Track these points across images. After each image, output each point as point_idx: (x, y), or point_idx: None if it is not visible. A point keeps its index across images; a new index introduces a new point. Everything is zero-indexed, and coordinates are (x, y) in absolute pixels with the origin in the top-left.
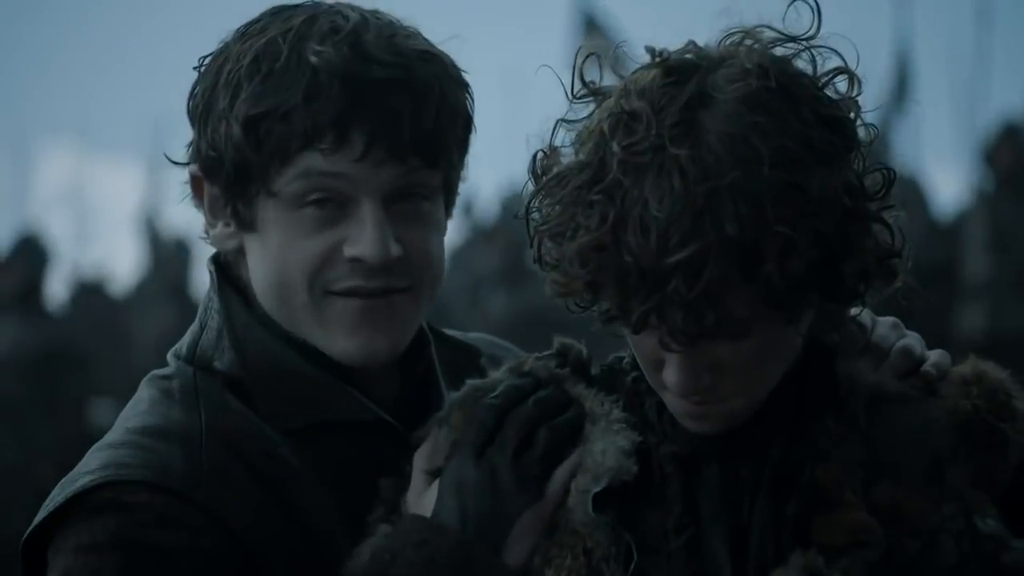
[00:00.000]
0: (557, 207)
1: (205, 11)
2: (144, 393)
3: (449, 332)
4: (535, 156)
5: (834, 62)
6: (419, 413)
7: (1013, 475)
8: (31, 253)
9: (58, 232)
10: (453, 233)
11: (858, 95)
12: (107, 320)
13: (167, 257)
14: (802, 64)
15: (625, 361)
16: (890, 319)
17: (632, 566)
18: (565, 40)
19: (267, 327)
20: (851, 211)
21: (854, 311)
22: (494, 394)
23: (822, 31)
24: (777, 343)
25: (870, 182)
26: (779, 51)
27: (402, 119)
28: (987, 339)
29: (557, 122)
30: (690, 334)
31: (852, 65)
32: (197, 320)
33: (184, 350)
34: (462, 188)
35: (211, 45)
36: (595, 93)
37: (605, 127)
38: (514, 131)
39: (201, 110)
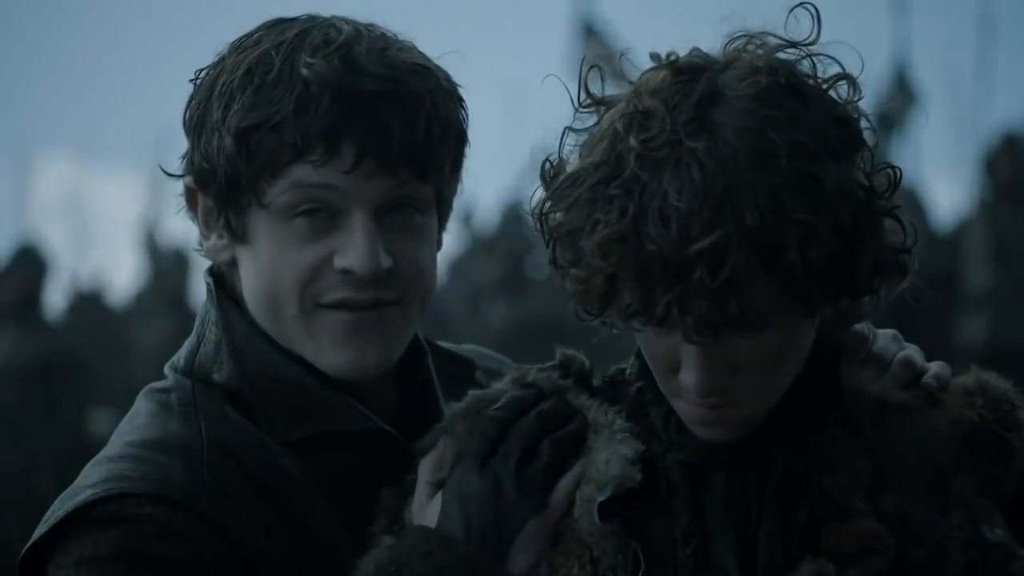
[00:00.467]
0: (573, 206)
1: (206, 22)
2: (142, 406)
3: (443, 344)
4: (543, 163)
5: (835, 69)
6: (417, 424)
7: (1019, 484)
8: (30, 263)
9: (57, 242)
10: (453, 243)
11: (859, 100)
12: (106, 330)
13: (166, 268)
14: (804, 70)
15: (628, 372)
16: (890, 331)
17: (640, 574)
18: (564, 48)
19: (266, 339)
20: (865, 205)
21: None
22: (497, 405)
23: (822, 39)
24: (792, 340)
25: (877, 181)
26: (781, 56)
27: (392, 131)
28: (988, 349)
29: (565, 130)
30: (714, 324)
31: (853, 72)
32: (194, 333)
33: (182, 363)
34: (460, 199)
35: (212, 56)
36: (600, 103)
37: (619, 126)
38: (513, 141)
39: (195, 122)
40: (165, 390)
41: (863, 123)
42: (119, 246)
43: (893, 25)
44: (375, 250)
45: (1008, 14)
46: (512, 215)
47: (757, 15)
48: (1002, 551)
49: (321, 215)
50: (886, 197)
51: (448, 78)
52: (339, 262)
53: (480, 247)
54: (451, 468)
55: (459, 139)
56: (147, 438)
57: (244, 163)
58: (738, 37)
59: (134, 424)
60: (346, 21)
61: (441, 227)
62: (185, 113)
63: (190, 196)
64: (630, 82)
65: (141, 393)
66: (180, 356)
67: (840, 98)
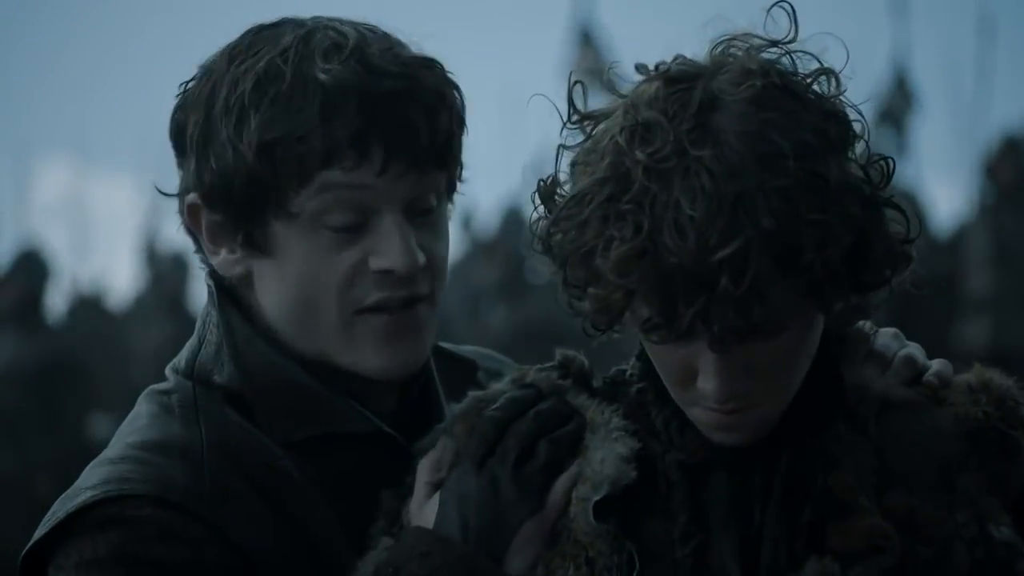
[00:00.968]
0: (584, 226)
1: (206, 26)
2: (143, 408)
3: (444, 345)
4: (538, 183)
5: (814, 64)
6: (418, 425)
7: None
8: (32, 267)
9: (56, 245)
10: (453, 247)
11: (842, 93)
12: (106, 334)
13: (165, 271)
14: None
15: (628, 373)
16: (891, 330)
17: (634, 575)
18: (562, 55)
19: (267, 341)
20: (868, 197)
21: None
22: (495, 406)
23: (821, 40)
24: (807, 339)
25: (872, 173)
26: (764, 56)
27: (418, 129)
28: (990, 353)
29: (559, 148)
30: (740, 332)
31: (834, 66)
32: (195, 334)
33: (183, 364)
34: (461, 203)
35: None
36: (588, 117)
37: (620, 140)
38: (514, 145)
39: (198, 140)
40: (166, 392)
41: (853, 116)
42: (118, 250)
43: (892, 28)
44: (412, 248)
45: (1007, 17)
46: (512, 219)
47: (740, 17)
48: (1008, 549)
49: (352, 217)
50: (882, 187)
51: (443, 66)
52: (376, 263)
53: (480, 251)
54: (449, 469)
55: (463, 126)
56: (147, 439)
57: (268, 176)
58: (721, 40)
59: (135, 426)
60: (338, 21)
61: (450, 212)
62: (175, 129)
63: (192, 212)
64: (621, 96)
65: (142, 395)
66: (181, 358)
67: (825, 93)
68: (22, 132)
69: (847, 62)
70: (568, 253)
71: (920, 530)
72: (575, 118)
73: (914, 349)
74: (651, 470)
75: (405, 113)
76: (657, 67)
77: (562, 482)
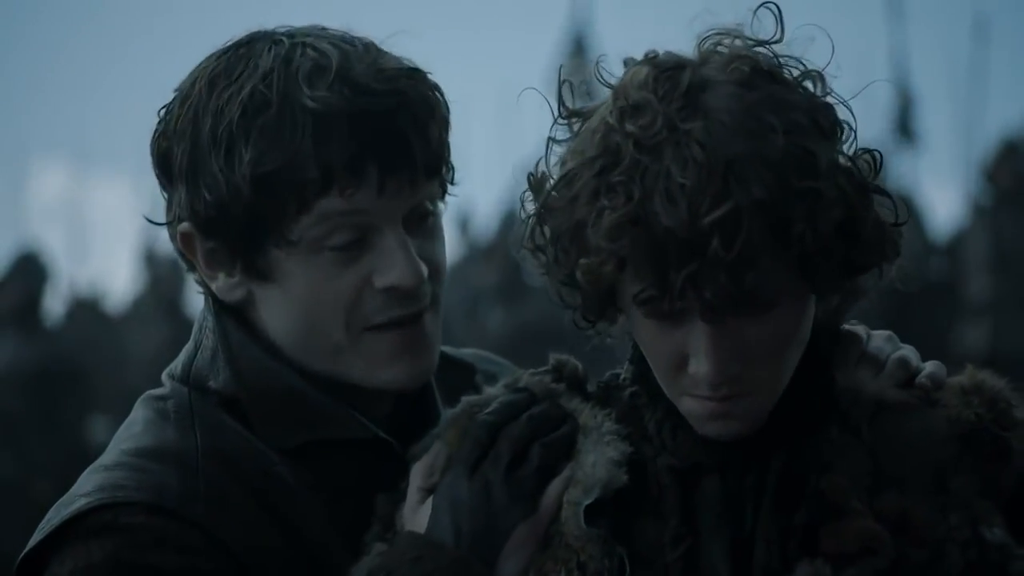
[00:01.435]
0: (575, 201)
1: (204, 28)
2: (139, 414)
3: (444, 348)
4: (528, 177)
5: (800, 68)
6: (415, 429)
7: (1017, 484)
8: (30, 270)
9: (54, 248)
10: (451, 249)
11: (829, 92)
12: (104, 337)
13: (163, 274)
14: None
15: (622, 377)
16: (885, 332)
17: None
18: (553, 60)
19: (262, 347)
20: (858, 179)
21: (848, 325)
22: (488, 410)
23: (820, 41)
24: (798, 324)
25: (862, 164)
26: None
27: (411, 146)
28: (989, 357)
29: (548, 140)
30: (732, 299)
31: (817, 67)
32: (192, 340)
33: (179, 370)
34: (460, 204)
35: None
36: (578, 114)
37: (611, 119)
38: (511, 148)
39: (186, 170)
40: (162, 397)
41: (841, 112)
42: (116, 252)
43: (889, 32)
44: (415, 263)
45: (1003, 20)
46: (510, 222)
47: (726, 18)
48: (1001, 551)
49: (351, 238)
50: (872, 177)
51: (421, 69)
52: (382, 281)
53: (478, 254)
54: (442, 473)
55: (449, 127)
56: (143, 446)
57: (265, 206)
58: (709, 35)
59: (130, 432)
60: (312, 36)
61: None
62: (160, 157)
63: (185, 240)
64: (609, 85)
65: (138, 401)
66: (177, 363)
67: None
68: (18, 134)
69: (831, 59)
70: (559, 233)
71: (913, 532)
72: (564, 113)
73: (908, 352)
74: (643, 474)
75: (397, 131)
76: (646, 55)
77: (554, 486)
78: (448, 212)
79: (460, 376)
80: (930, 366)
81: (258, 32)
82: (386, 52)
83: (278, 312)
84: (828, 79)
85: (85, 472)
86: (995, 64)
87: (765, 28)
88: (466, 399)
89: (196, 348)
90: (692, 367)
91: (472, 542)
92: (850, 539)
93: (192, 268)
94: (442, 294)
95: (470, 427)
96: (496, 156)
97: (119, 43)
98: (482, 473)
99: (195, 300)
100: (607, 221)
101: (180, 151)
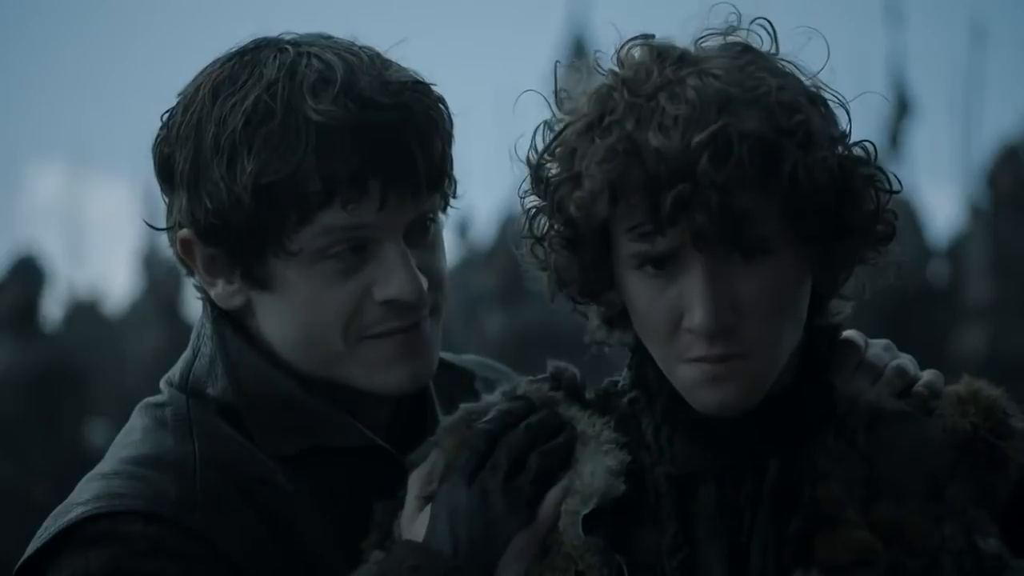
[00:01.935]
0: (570, 155)
1: (201, 30)
2: (137, 422)
3: (443, 355)
4: (527, 159)
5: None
6: (413, 437)
7: (1013, 494)
8: (28, 273)
9: (51, 251)
10: (451, 254)
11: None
12: (102, 340)
13: (161, 277)
14: None
15: (620, 384)
16: (883, 341)
17: None
18: (554, 64)
19: (260, 354)
20: (852, 151)
21: (847, 333)
22: (486, 418)
23: (818, 44)
24: (792, 280)
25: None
26: None
27: (415, 159)
28: (988, 362)
29: (542, 124)
30: (723, 225)
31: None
32: (190, 347)
33: (177, 377)
34: (459, 207)
35: (202, 64)
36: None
37: (607, 82)
38: (509, 153)
39: (188, 177)
40: (160, 405)
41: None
42: (114, 255)
43: (888, 36)
44: (415, 276)
45: (1001, 24)
46: (509, 226)
47: (721, 24)
48: (995, 561)
49: (352, 253)
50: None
51: (425, 81)
52: (381, 293)
53: (478, 258)
54: (440, 481)
55: (453, 139)
56: (140, 454)
57: (267, 216)
58: (704, 36)
59: (128, 440)
60: (318, 46)
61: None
62: (162, 162)
63: (185, 247)
64: (602, 73)
65: (136, 408)
66: (175, 370)
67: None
68: (14, 136)
69: (827, 63)
70: (555, 184)
71: (907, 542)
72: (562, 99)
73: (906, 360)
74: (641, 482)
75: (400, 145)
76: (642, 35)
77: (552, 495)
78: (447, 217)
79: (460, 383)
80: (927, 375)
81: (264, 39)
82: (391, 63)
83: (276, 320)
84: (825, 81)
85: (83, 480)
86: (993, 69)
87: (762, 42)
88: (464, 407)
89: (194, 355)
90: (687, 322)
91: (470, 551)
92: (844, 549)
93: (191, 274)
94: (444, 302)
95: (468, 435)
96: (495, 160)
97: (116, 45)
98: (480, 482)
99: (194, 304)
100: (599, 148)
101: (182, 157)
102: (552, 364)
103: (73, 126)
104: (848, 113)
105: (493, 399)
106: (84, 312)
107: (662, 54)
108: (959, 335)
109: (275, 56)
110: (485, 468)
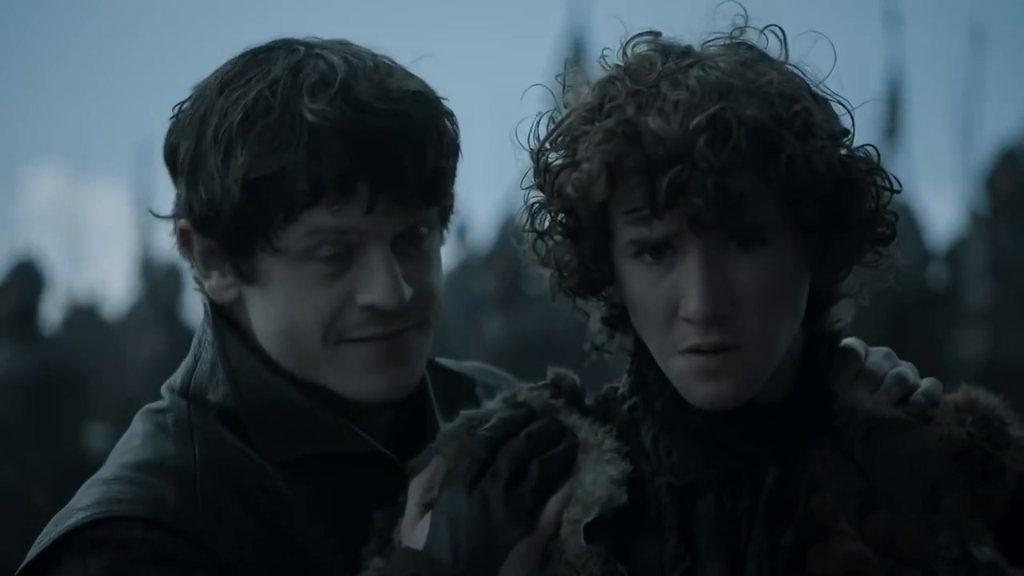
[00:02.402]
0: (573, 142)
1: (199, 33)
2: (138, 427)
3: (444, 361)
4: (529, 149)
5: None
6: (413, 443)
7: (1009, 503)
8: (27, 277)
9: (49, 255)
10: (449, 257)
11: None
12: (101, 343)
13: (160, 281)
14: None
15: (620, 391)
16: (883, 349)
17: None
18: (554, 66)
19: (261, 360)
20: (853, 149)
21: (847, 341)
22: (487, 426)
23: (817, 56)
24: (788, 272)
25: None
26: None
27: (405, 167)
28: (987, 366)
29: (542, 115)
30: (719, 208)
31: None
32: (191, 353)
33: (178, 383)
34: (457, 214)
35: (200, 67)
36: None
37: (610, 75)
38: (509, 156)
39: (188, 167)
40: (161, 411)
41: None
42: (113, 258)
43: (887, 39)
44: (398, 284)
45: (1000, 27)
46: (508, 229)
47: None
48: (991, 571)
49: (338, 255)
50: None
51: (435, 93)
52: (363, 299)
53: (477, 261)
54: (441, 489)
55: (457, 155)
56: (141, 460)
57: (254, 211)
58: (709, 40)
59: (129, 445)
60: (329, 49)
61: (442, 240)
62: (169, 154)
63: (184, 237)
64: (607, 68)
65: (138, 414)
66: (177, 376)
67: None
68: (13, 139)
69: (826, 65)
70: (556, 170)
71: (902, 552)
72: (566, 90)
73: (906, 368)
74: (641, 492)
75: (392, 151)
76: (647, 31)
77: (553, 503)
78: (446, 233)
79: (460, 389)
80: (927, 383)
81: (282, 40)
82: (397, 71)
83: (262, 316)
84: (827, 84)
85: (83, 485)
86: (992, 72)
87: (767, 44)
88: (464, 413)
89: (195, 361)
90: (682, 310)
91: (470, 559)
92: (836, 561)
93: (192, 267)
94: (434, 317)
95: (469, 443)
96: (494, 162)
97: (114, 48)
98: (481, 489)
99: (193, 307)
100: (598, 130)
101: (185, 148)
102: (552, 371)
103: (71, 129)
104: (852, 117)
105: (494, 406)
106: (83, 316)
107: (666, 48)
108: (958, 339)
109: (285, 55)
110: (486, 476)
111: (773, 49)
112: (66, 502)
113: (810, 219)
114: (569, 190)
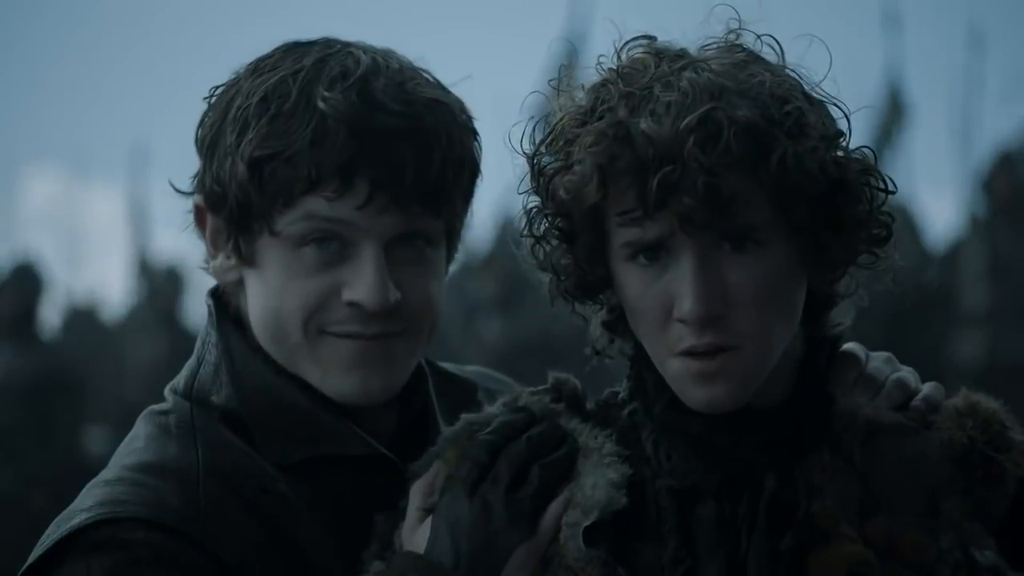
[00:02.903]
0: (568, 144)
1: (198, 35)
2: (141, 429)
3: (445, 366)
4: (524, 151)
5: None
6: (415, 447)
7: (1010, 506)
8: (26, 280)
9: (47, 258)
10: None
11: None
12: (100, 347)
13: (159, 284)
14: None
15: (620, 396)
16: (884, 353)
17: None
18: (552, 68)
19: (265, 361)
20: (848, 150)
21: (847, 346)
22: (488, 430)
23: (815, 59)
24: (781, 273)
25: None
26: None
27: (405, 168)
28: (985, 368)
29: (539, 118)
30: (710, 207)
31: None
32: (195, 355)
33: (181, 385)
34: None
35: (198, 71)
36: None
37: (603, 78)
38: (507, 157)
39: (208, 143)
40: (164, 412)
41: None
42: (112, 261)
43: (886, 42)
44: (384, 284)
45: (999, 30)
46: (507, 231)
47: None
48: (992, 574)
49: (332, 245)
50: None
51: (464, 110)
52: (347, 295)
53: (475, 264)
54: (441, 493)
55: (472, 173)
56: (144, 461)
57: (256, 191)
58: (706, 44)
59: (132, 447)
60: (364, 49)
61: (449, 259)
62: (198, 131)
63: (199, 215)
64: (602, 73)
65: (141, 416)
66: (180, 378)
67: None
68: (11, 141)
69: (825, 68)
70: (550, 174)
71: (903, 556)
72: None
73: (906, 373)
74: (641, 496)
75: (394, 149)
76: (642, 35)
77: (554, 508)
78: (454, 252)
79: (461, 393)
80: (927, 387)
81: (327, 37)
82: (420, 77)
83: (256, 299)
84: (825, 88)
85: (86, 487)
86: (991, 75)
87: (762, 48)
88: (465, 417)
89: (199, 363)
90: (677, 311)
91: (471, 563)
92: (837, 564)
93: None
94: (426, 328)
95: (469, 447)
96: (492, 164)
97: (113, 50)
98: (481, 494)
99: (192, 310)
100: (590, 132)
101: (208, 124)
102: (553, 375)
103: (70, 131)
104: (848, 120)
105: (494, 410)
106: (82, 319)
107: (660, 51)
108: (956, 341)
109: (321, 49)
110: (486, 480)
111: (769, 52)
112: (65, 505)
113: (802, 219)
114: (563, 193)
